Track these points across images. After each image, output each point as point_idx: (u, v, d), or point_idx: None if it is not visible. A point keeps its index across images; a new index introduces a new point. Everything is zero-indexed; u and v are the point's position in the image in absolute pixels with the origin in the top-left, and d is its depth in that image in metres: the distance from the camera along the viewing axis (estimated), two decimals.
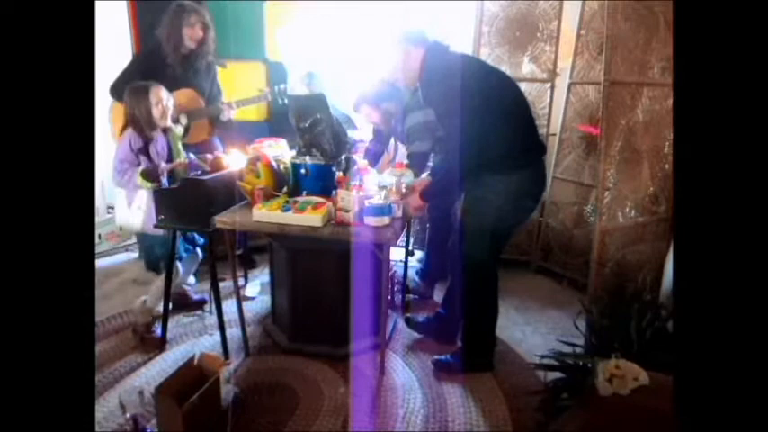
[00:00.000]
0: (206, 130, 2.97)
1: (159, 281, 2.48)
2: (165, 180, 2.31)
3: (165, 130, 2.43)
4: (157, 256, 2.43)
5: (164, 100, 2.34)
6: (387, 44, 2.14)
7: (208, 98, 2.92)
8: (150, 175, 2.25)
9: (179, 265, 2.49)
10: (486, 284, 2.24)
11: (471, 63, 2.18)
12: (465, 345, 2.34)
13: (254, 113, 3.52)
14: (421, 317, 2.66)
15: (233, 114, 2.92)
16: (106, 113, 2.85)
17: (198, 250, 2.64)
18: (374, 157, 2.90)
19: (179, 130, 2.52)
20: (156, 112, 2.32)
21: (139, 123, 2.31)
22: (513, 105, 2.14)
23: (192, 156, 2.59)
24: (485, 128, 1.98)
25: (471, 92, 1.96)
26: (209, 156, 2.55)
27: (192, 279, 2.88)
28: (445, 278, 2.74)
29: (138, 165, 2.30)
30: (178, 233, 2.35)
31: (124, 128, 2.35)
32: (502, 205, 2.10)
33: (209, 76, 2.94)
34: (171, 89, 2.72)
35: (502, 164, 2.06)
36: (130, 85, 2.37)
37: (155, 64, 2.73)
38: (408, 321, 2.63)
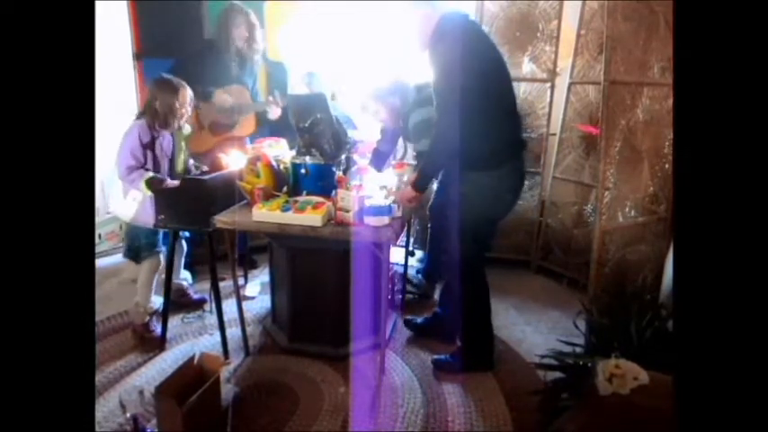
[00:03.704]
0: (252, 125, 3.19)
1: (142, 276, 2.49)
2: None
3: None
4: (140, 247, 2.43)
5: (188, 102, 2.34)
6: (406, 6, 2.09)
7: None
8: (155, 185, 2.24)
9: (161, 258, 2.49)
10: (474, 281, 2.24)
11: (485, 41, 2.12)
12: (463, 344, 2.35)
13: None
14: (420, 318, 2.66)
15: (276, 111, 3.05)
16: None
17: (183, 242, 2.64)
18: (382, 158, 2.88)
19: (186, 129, 2.52)
20: (179, 113, 2.32)
21: (157, 117, 2.29)
22: (509, 98, 2.15)
23: (191, 161, 2.60)
24: (479, 116, 1.97)
25: (475, 72, 1.95)
26: (204, 167, 2.58)
27: (188, 275, 2.89)
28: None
29: (144, 162, 2.29)
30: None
31: (140, 115, 2.34)
32: (485, 200, 2.11)
33: (253, 75, 3.16)
34: (221, 85, 2.98)
35: (488, 158, 2.06)
36: (161, 78, 2.35)
37: (206, 61, 2.95)
38: (408, 324, 2.64)
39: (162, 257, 2.48)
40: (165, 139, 2.38)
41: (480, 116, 1.99)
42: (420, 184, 2.17)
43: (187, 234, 2.62)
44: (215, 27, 3.02)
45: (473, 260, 2.20)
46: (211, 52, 2.98)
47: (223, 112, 3.03)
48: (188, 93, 2.34)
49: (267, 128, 3.38)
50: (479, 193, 2.09)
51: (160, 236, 2.44)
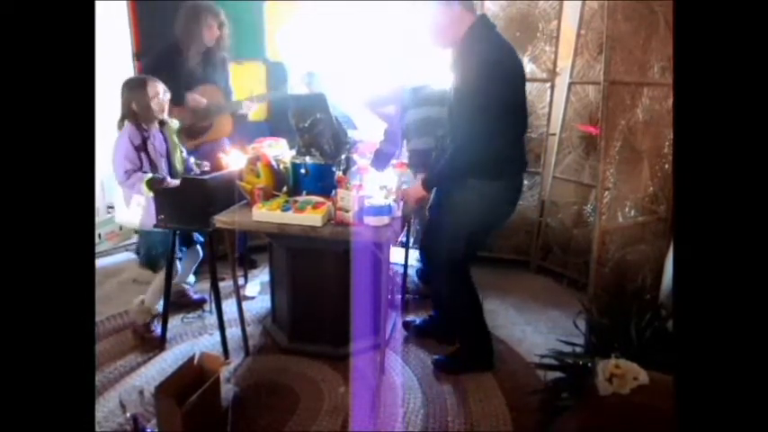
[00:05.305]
0: (229, 126, 3.05)
1: (158, 279, 2.48)
2: None
3: (162, 124, 2.43)
4: (157, 254, 2.43)
5: (160, 93, 2.34)
6: (441, 1, 2.03)
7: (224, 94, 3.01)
8: (155, 185, 2.24)
9: (177, 264, 2.49)
10: (463, 282, 2.26)
11: (513, 55, 2.11)
12: (461, 344, 2.36)
13: (255, 113, 3.52)
14: (419, 319, 2.67)
15: (253, 109, 3.00)
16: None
17: (198, 248, 2.64)
18: (384, 159, 2.88)
19: (174, 123, 2.52)
20: (154, 105, 2.32)
21: (137, 117, 2.30)
22: (523, 114, 2.17)
23: (191, 159, 2.60)
24: (496, 126, 1.97)
25: (500, 84, 1.95)
26: (205, 163, 2.57)
27: (191, 278, 2.88)
28: None
29: (140, 165, 2.30)
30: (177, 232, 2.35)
31: (122, 122, 2.34)
32: (485, 209, 2.12)
33: (224, 73, 3.02)
34: (191, 86, 2.84)
35: (498, 169, 2.07)
36: (127, 79, 2.37)
37: (173, 62, 2.80)
38: (407, 326, 2.64)
39: (179, 264, 2.48)
40: (156, 139, 2.38)
41: (503, 126, 2.00)
42: (431, 185, 2.18)
43: (201, 239, 2.61)
44: (181, 25, 2.82)
45: (460, 264, 2.22)
46: (179, 53, 2.82)
47: (198, 114, 2.92)
48: (157, 84, 2.34)
49: (267, 128, 3.38)
50: (481, 201, 2.10)
51: (177, 243, 2.42)
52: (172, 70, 2.74)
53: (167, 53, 2.85)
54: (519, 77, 2.08)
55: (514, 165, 2.17)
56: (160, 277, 2.47)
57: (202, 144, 2.99)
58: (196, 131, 2.99)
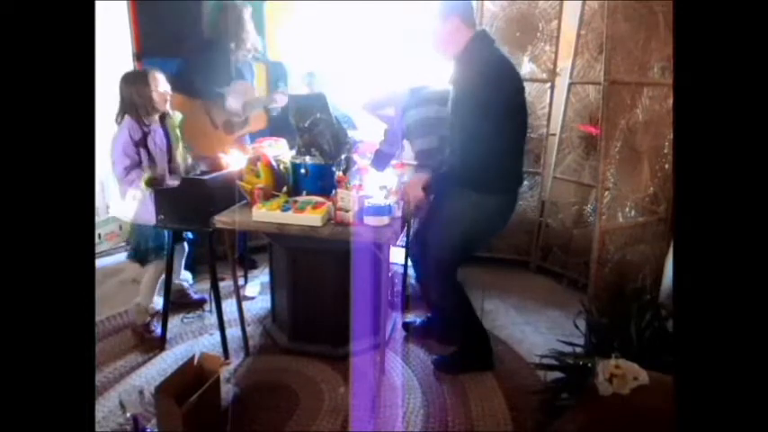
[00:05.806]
0: (263, 120, 3.17)
1: (147, 277, 2.48)
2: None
3: (163, 118, 2.41)
4: (147, 249, 2.43)
5: (161, 84, 2.33)
6: (440, 13, 2.07)
7: None
8: (155, 184, 2.24)
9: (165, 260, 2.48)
10: (450, 285, 2.27)
11: (511, 69, 2.12)
12: (460, 344, 2.36)
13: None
14: (419, 320, 2.67)
15: (284, 102, 3.06)
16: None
17: (185, 244, 2.64)
18: (384, 159, 2.88)
19: (177, 116, 2.51)
20: (156, 96, 2.31)
21: (138, 110, 2.29)
22: (522, 130, 2.18)
23: (189, 160, 2.59)
24: (493, 139, 1.98)
25: (498, 98, 1.96)
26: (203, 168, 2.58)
27: (188, 276, 2.88)
28: None
29: (139, 160, 2.29)
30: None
31: (122, 116, 2.34)
32: (477, 220, 2.13)
33: (251, 70, 3.14)
34: (228, 82, 2.94)
35: (491, 181, 2.08)
36: (125, 73, 2.36)
37: (213, 61, 2.90)
38: (407, 327, 2.65)
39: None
40: (156, 134, 2.37)
41: (501, 139, 2.01)
42: (431, 191, 2.18)
43: (190, 235, 2.62)
44: (219, 25, 2.94)
45: (448, 268, 2.24)
46: (217, 51, 2.91)
47: (235, 111, 3.01)
48: (158, 75, 2.33)
49: (267, 128, 3.39)
50: (474, 212, 2.11)
51: (166, 238, 2.42)
52: (212, 67, 2.86)
53: (205, 50, 2.92)
54: (517, 92, 2.09)
55: (511, 179, 2.19)
56: (149, 274, 2.48)
57: (241, 138, 3.07)
58: (234, 126, 3.08)
